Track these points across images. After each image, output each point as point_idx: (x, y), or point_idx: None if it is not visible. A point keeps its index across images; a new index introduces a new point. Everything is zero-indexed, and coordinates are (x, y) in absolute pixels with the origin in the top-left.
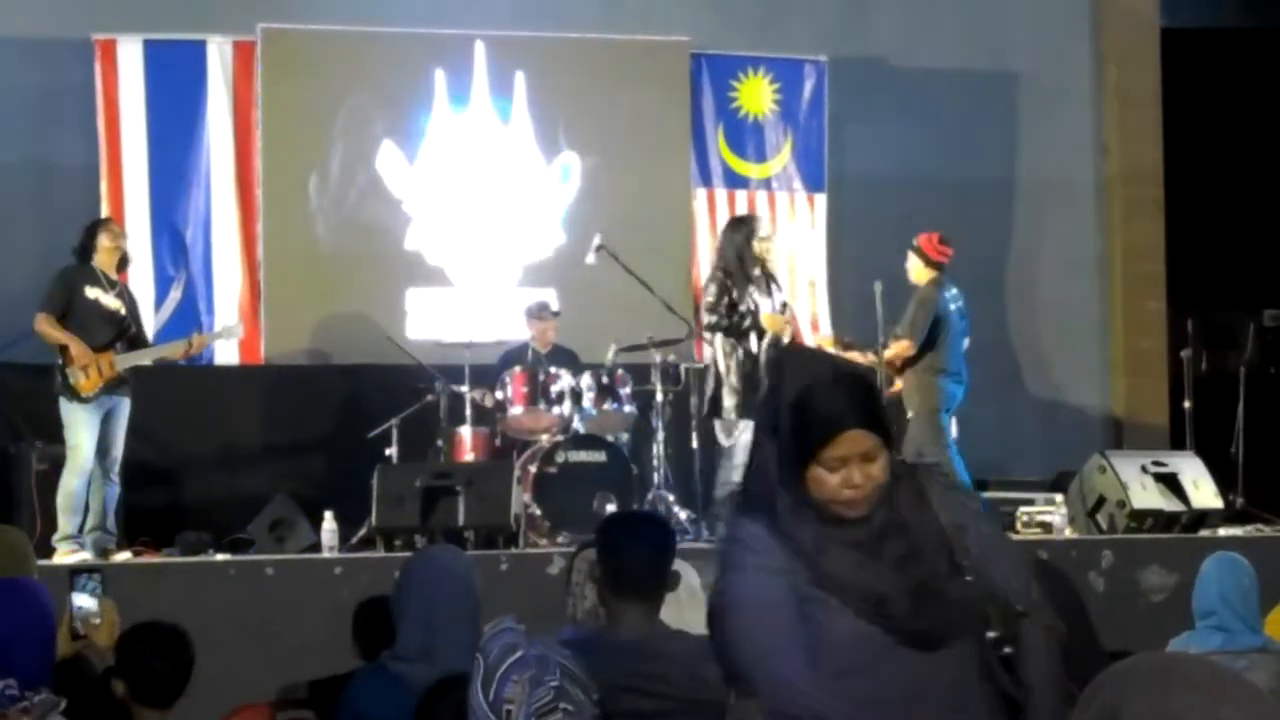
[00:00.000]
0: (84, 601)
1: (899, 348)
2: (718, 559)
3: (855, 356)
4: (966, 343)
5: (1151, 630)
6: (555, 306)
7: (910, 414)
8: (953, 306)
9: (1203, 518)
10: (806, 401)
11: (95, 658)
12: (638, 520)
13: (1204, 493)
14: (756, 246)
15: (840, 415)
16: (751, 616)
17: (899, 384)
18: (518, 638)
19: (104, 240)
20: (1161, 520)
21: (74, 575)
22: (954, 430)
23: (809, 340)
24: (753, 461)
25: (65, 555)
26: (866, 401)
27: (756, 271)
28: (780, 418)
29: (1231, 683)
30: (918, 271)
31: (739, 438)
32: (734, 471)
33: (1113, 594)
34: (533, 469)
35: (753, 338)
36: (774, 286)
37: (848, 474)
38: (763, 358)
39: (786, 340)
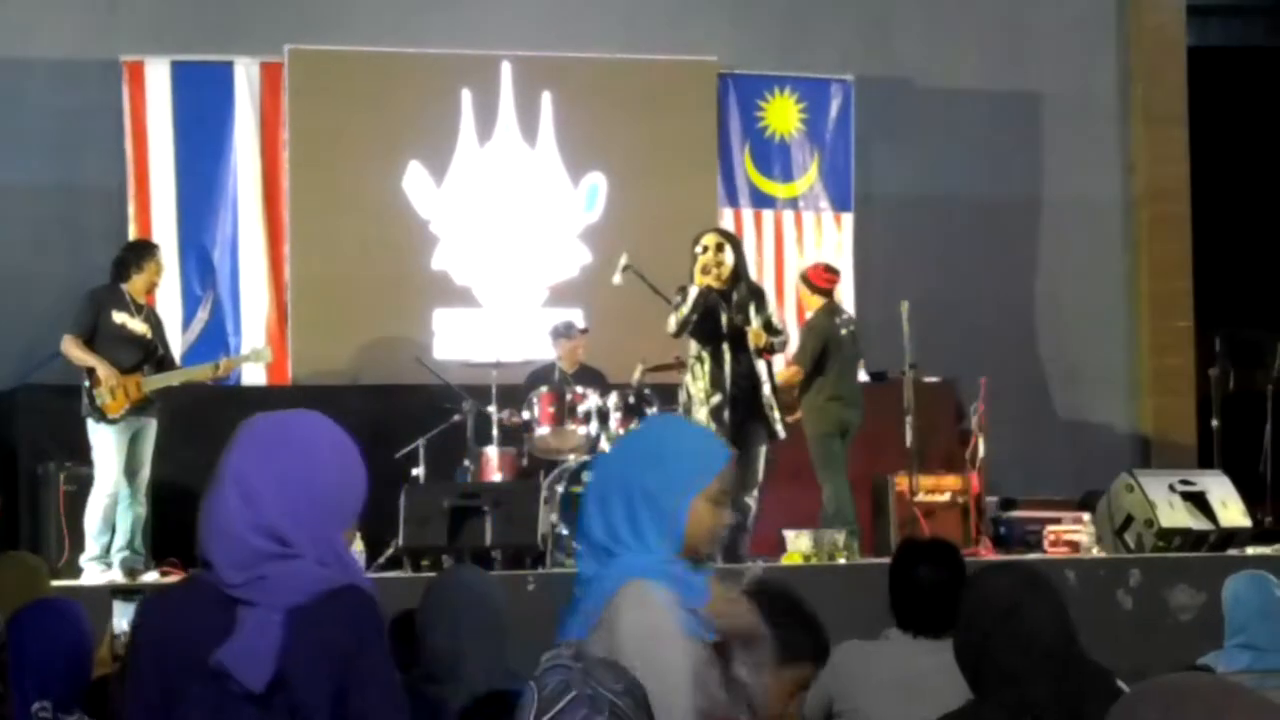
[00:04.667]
0: (125, 623)
1: (788, 373)
2: None
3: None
4: (861, 368)
5: (1179, 649)
6: (581, 325)
7: (809, 439)
8: (843, 332)
9: (1231, 536)
10: None
11: None
12: None
13: (1232, 511)
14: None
15: None
16: None
17: (799, 412)
18: (572, 675)
19: (151, 267)
20: (1189, 539)
21: (115, 597)
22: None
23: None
24: None
25: (93, 575)
26: None
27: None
28: None
29: (1238, 696)
30: (807, 299)
31: None
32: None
33: (1141, 613)
34: (560, 489)
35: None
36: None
37: None
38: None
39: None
